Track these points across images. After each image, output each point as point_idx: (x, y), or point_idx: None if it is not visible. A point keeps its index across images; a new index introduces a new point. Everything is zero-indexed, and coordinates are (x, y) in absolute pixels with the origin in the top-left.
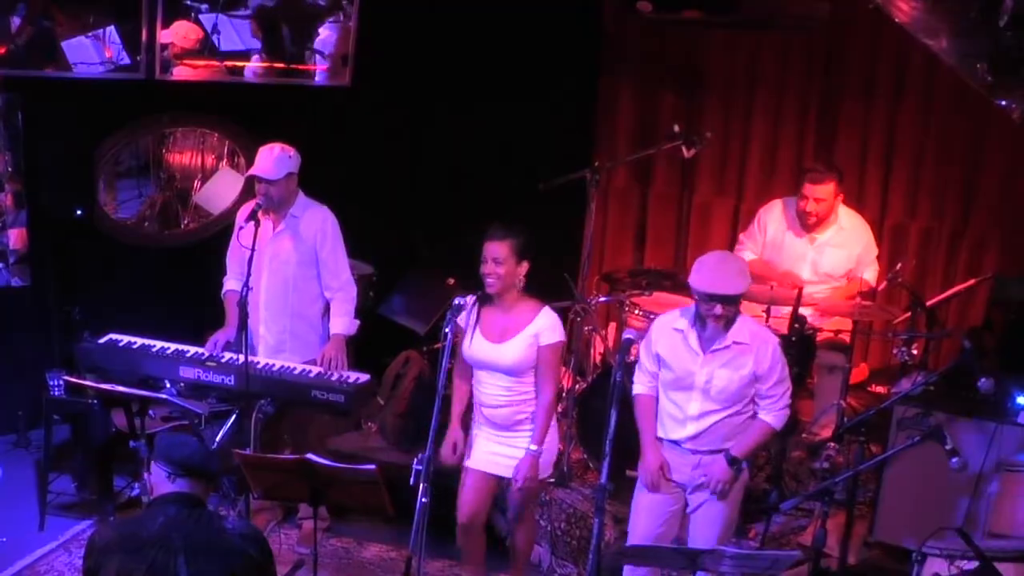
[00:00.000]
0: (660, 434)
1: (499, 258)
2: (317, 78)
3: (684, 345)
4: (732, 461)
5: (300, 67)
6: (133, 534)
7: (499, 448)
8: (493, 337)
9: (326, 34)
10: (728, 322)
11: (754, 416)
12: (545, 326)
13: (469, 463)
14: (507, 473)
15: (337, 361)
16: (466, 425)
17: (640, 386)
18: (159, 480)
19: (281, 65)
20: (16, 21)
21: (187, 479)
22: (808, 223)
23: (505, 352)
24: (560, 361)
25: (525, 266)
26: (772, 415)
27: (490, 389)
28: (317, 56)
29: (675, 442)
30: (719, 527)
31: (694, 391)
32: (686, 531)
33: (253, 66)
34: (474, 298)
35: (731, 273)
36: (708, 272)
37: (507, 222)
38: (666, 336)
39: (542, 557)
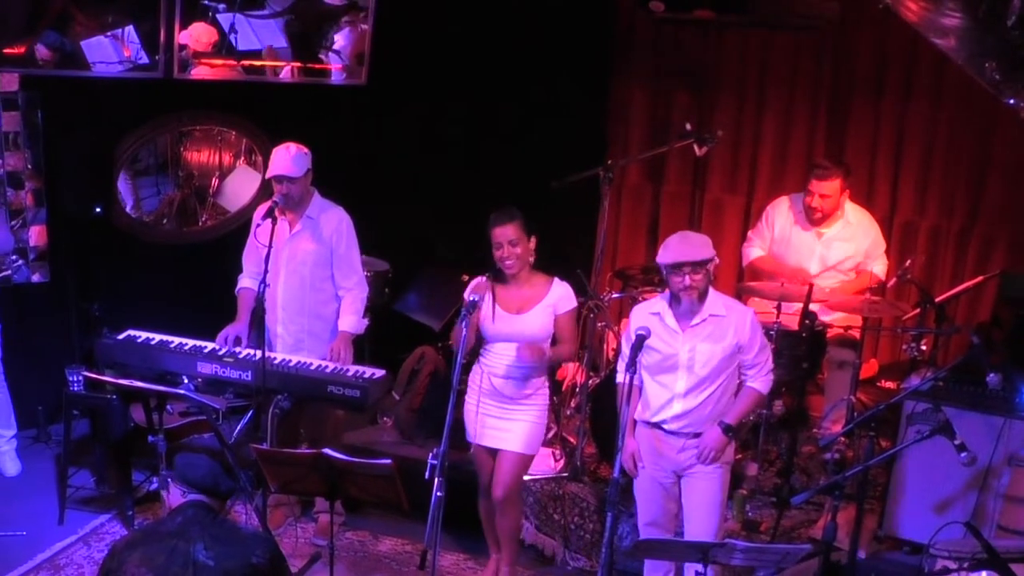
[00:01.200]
0: (646, 417)
1: (514, 239)
2: (333, 77)
3: (662, 326)
4: (727, 429)
5: (316, 66)
6: (154, 530)
7: (497, 422)
8: (512, 310)
9: (342, 34)
10: (701, 295)
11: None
12: (561, 295)
13: (472, 438)
14: (502, 444)
15: (343, 356)
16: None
17: (620, 374)
18: (175, 499)
19: (298, 64)
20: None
21: (201, 496)
22: (814, 218)
23: (527, 322)
24: (576, 323)
25: (534, 241)
26: (759, 381)
27: (505, 360)
28: (333, 55)
29: (660, 426)
30: (713, 510)
31: (679, 369)
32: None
33: (273, 64)
34: (484, 279)
35: (693, 242)
36: (672, 245)
37: (506, 207)
38: (644, 320)
39: (556, 550)
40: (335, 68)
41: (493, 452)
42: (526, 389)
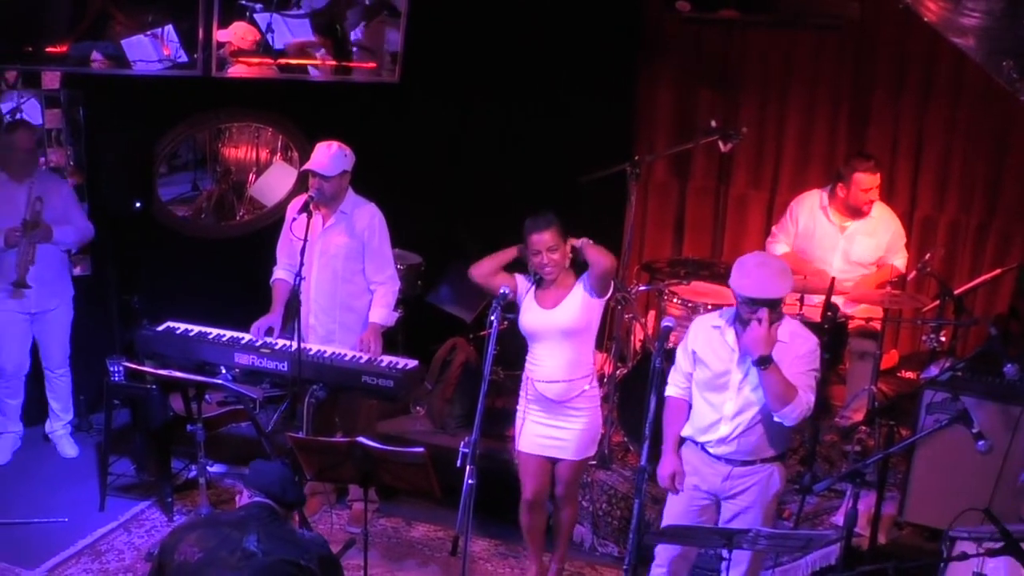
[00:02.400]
0: (693, 436)
1: (552, 245)
2: (367, 75)
3: (721, 341)
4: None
5: (351, 64)
6: (215, 518)
7: (547, 430)
8: (547, 305)
9: (376, 32)
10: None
11: None
12: (585, 275)
13: (521, 448)
14: (557, 453)
15: (373, 347)
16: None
17: (674, 388)
18: (244, 500)
19: (333, 63)
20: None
21: (268, 501)
22: (862, 212)
23: (559, 316)
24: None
25: (571, 244)
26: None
27: (547, 362)
28: (368, 54)
29: (706, 449)
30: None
31: (728, 390)
32: None
33: (308, 63)
34: (531, 281)
35: (774, 275)
36: (751, 275)
37: (542, 212)
38: (704, 333)
39: (584, 536)
40: (369, 66)
41: (543, 460)
42: (572, 392)
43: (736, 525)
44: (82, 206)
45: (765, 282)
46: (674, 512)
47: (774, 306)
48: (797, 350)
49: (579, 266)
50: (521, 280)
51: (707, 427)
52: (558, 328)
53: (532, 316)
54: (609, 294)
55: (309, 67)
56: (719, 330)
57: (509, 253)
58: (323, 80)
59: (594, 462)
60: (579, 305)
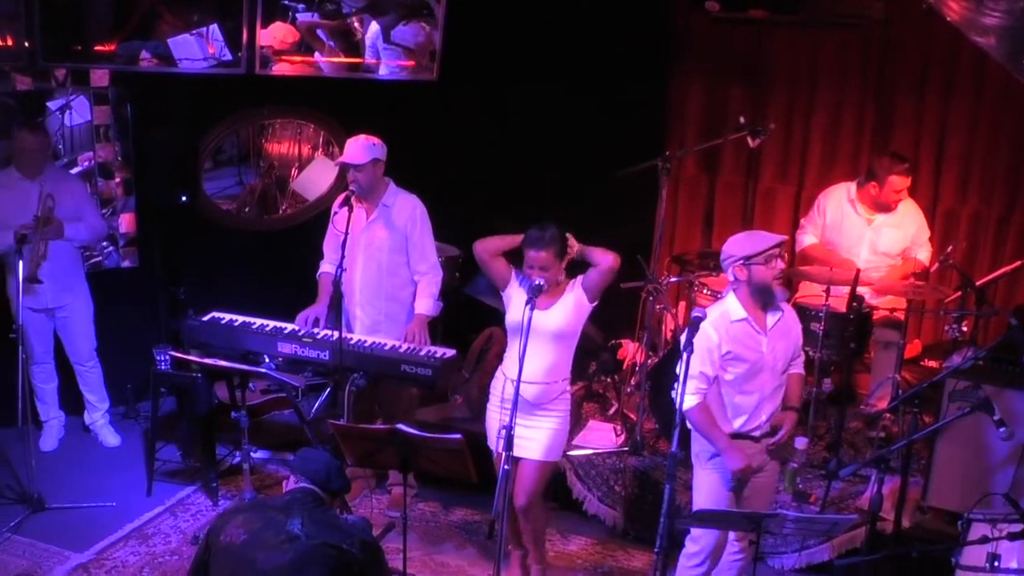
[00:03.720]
0: (738, 427)
1: (545, 266)
2: (406, 73)
3: (752, 330)
4: (797, 410)
5: (391, 63)
6: (262, 503)
7: (520, 430)
8: (539, 307)
9: (414, 31)
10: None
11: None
12: (583, 278)
13: (495, 447)
14: (524, 454)
15: (419, 337)
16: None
17: (693, 398)
18: (290, 485)
19: (373, 61)
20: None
21: (313, 487)
22: (891, 208)
23: (552, 317)
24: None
25: (565, 260)
26: (800, 366)
27: (529, 363)
28: (407, 52)
29: (747, 435)
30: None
31: (764, 371)
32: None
33: (343, 61)
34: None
35: (766, 232)
36: (752, 238)
37: (543, 226)
38: (730, 331)
39: (616, 521)
40: (408, 64)
41: (515, 460)
42: (549, 395)
43: (761, 494)
44: (96, 203)
45: (765, 235)
46: (714, 497)
47: (782, 249)
48: (791, 314)
49: (572, 268)
50: (515, 276)
51: (751, 415)
52: (548, 330)
53: (522, 316)
54: (597, 301)
55: (319, 63)
56: (744, 321)
57: (514, 240)
58: (364, 78)
59: (626, 448)
60: (572, 308)
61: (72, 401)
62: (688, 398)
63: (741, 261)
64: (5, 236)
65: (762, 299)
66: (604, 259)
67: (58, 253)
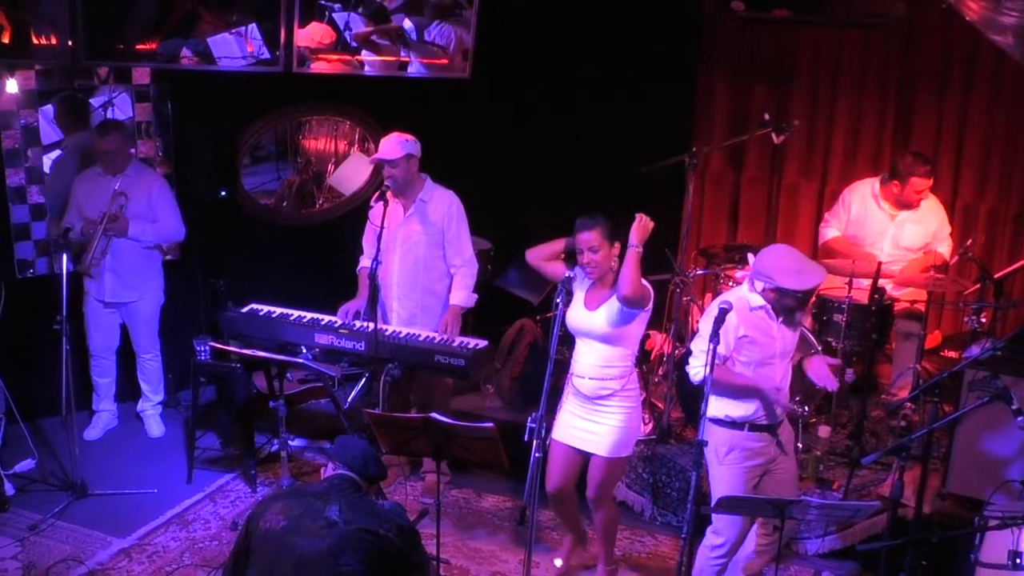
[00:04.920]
0: (741, 417)
1: (594, 246)
2: (439, 71)
3: (768, 318)
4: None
5: (425, 61)
6: (301, 489)
7: (581, 423)
8: (590, 306)
9: (448, 30)
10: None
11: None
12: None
13: (555, 436)
14: (589, 448)
15: (453, 328)
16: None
17: (700, 368)
18: (329, 472)
19: (407, 59)
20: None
21: (351, 474)
22: (913, 207)
23: (596, 318)
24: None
25: (617, 247)
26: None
27: (583, 358)
28: (440, 51)
29: (759, 427)
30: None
31: (775, 358)
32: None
33: (380, 59)
34: (586, 277)
35: (814, 267)
36: (799, 272)
37: (591, 213)
38: (749, 317)
39: (644, 507)
40: (441, 63)
41: (572, 452)
42: (602, 391)
43: (786, 481)
44: (175, 206)
45: (811, 273)
46: (732, 488)
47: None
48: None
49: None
50: (579, 273)
51: (763, 402)
52: (595, 331)
53: (575, 314)
54: (649, 306)
55: (365, 61)
56: (763, 309)
57: (559, 244)
58: (398, 75)
59: (654, 436)
60: (614, 312)
61: (124, 390)
62: (693, 372)
63: (774, 287)
64: (79, 225)
65: (782, 314)
66: (621, 284)
67: (124, 250)
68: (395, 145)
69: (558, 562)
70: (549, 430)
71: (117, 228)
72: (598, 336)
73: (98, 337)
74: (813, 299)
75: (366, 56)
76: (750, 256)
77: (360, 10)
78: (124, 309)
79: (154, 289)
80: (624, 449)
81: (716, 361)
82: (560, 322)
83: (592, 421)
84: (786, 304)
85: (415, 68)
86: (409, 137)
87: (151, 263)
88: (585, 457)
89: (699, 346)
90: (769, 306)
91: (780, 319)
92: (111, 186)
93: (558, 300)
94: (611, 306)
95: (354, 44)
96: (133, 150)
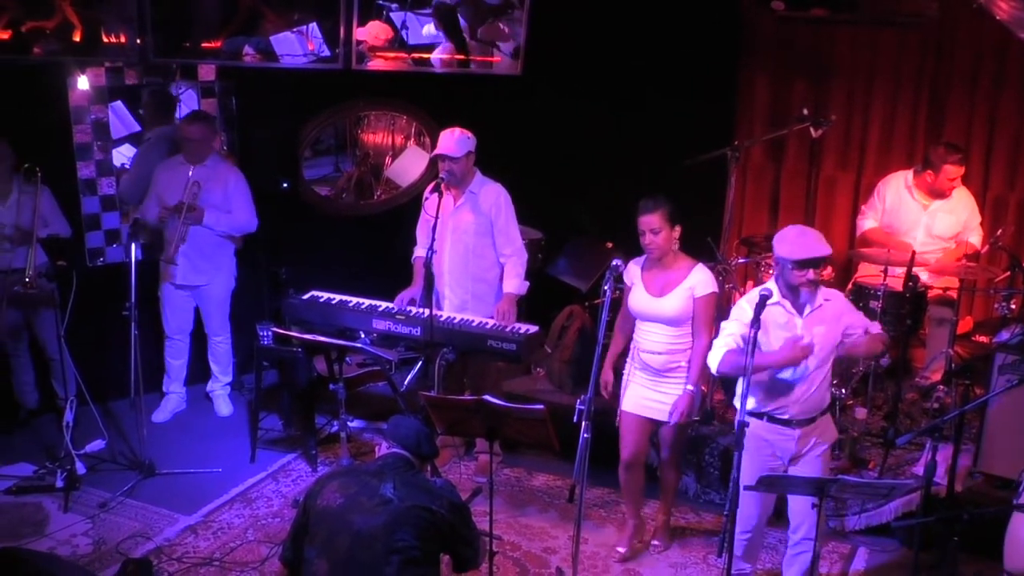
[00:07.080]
0: (759, 408)
1: (655, 228)
2: (492, 68)
3: (787, 312)
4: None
5: (477, 58)
6: (356, 468)
7: (651, 394)
8: (655, 292)
9: (501, 28)
10: (816, 285)
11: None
12: (699, 280)
13: (625, 407)
14: (659, 416)
15: (508, 315)
16: (618, 370)
17: (721, 349)
18: (383, 451)
19: (461, 56)
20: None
21: (404, 452)
22: (945, 195)
23: (665, 305)
24: (714, 310)
25: (678, 230)
26: (876, 328)
27: (651, 336)
28: (492, 48)
29: (775, 415)
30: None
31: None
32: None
33: (437, 56)
34: (641, 259)
35: (816, 239)
36: (796, 242)
37: (654, 196)
38: (769, 311)
39: (689, 485)
40: (494, 60)
41: (644, 421)
42: (673, 363)
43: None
44: (250, 199)
45: (810, 245)
46: (745, 475)
47: (819, 264)
48: (839, 304)
49: (687, 252)
50: (631, 267)
51: (780, 395)
52: (663, 316)
53: (639, 301)
54: (716, 288)
55: (432, 59)
56: (779, 304)
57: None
58: (450, 72)
59: (697, 417)
60: (684, 302)
61: (193, 372)
62: (718, 349)
63: (776, 259)
64: (156, 211)
65: (790, 293)
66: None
67: (198, 236)
68: (456, 143)
69: (621, 549)
70: (600, 411)
71: (193, 216)
72: (667, 320)
73: (172, 319)
74: (811, 276)
75: (436, 55)
76: None
77: (427, 12)
78: (196, 292)
79: (225, 274)
80: (693, 412)
81: (732, 345)
82: (608, 309)
83: (661, 392)
84: (789, 280)
85: (472, 66)
86: (469, 134)
87: (223, 250)
88: (655, 425)
89: (725, 329)
90: (784, 288)
91: (802, 314)
92: (189, 175)
93: (606, 287)
94: (681, 294)
95: (472, 41)
96: (216, 144)
